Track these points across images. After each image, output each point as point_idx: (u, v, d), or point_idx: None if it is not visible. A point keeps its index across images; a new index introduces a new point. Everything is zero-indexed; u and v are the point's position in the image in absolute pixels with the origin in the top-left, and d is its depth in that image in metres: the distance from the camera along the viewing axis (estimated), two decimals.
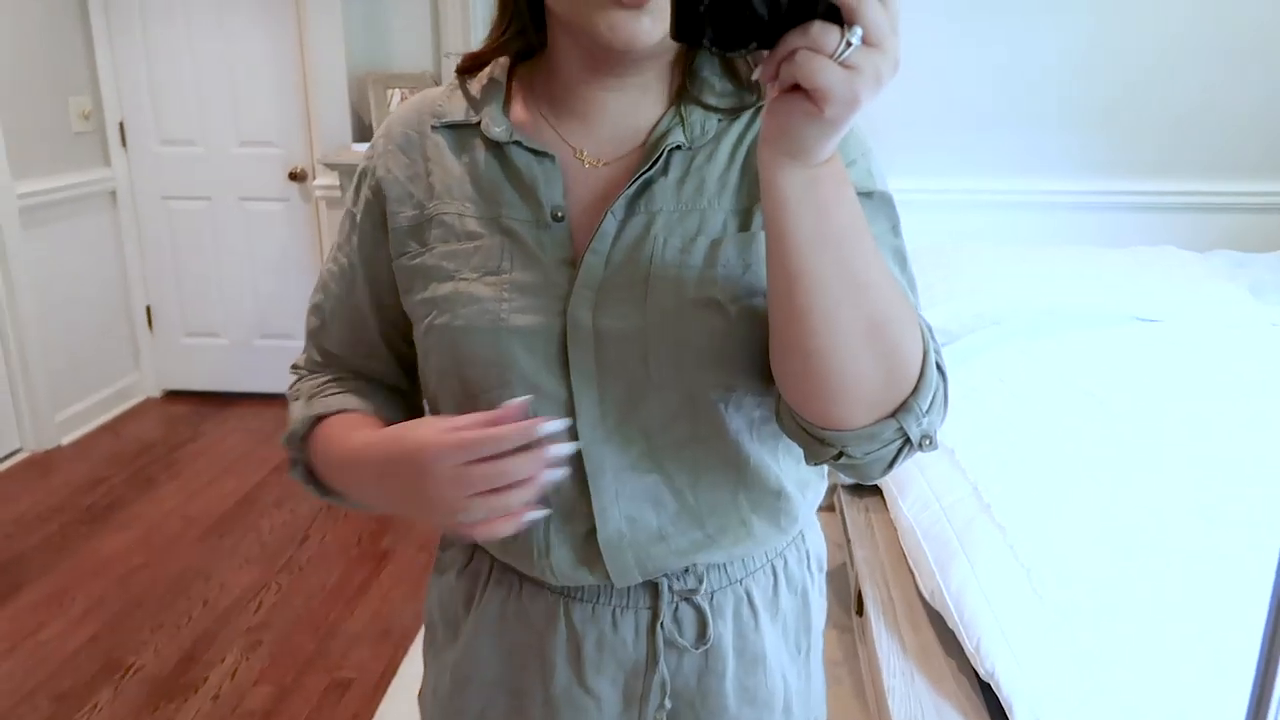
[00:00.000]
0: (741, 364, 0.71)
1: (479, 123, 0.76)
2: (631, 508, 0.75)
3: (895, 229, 0.75)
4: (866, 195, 0.72)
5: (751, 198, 0.73)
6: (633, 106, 0.75)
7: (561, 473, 0.66)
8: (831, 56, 0.50)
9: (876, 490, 2.02)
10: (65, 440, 3.55)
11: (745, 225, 0.72)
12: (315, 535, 2.91)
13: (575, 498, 0.75)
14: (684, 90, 0.75)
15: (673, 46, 0.72)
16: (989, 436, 1.76)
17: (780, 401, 0.70)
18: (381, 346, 0.85)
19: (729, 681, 0.82)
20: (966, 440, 1.76)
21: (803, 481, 0.81)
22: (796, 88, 0.51)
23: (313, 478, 0.84)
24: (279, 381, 3.86)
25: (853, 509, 2.04)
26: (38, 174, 3.40)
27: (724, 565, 0.80)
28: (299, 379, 0.89)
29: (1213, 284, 2.54)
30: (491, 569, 0.85)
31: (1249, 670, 1.17)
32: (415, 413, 0.87)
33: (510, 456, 0.63)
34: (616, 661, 0.81)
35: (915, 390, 0.64)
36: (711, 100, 0.74)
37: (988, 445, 1.73)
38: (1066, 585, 1.34)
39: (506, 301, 0.72)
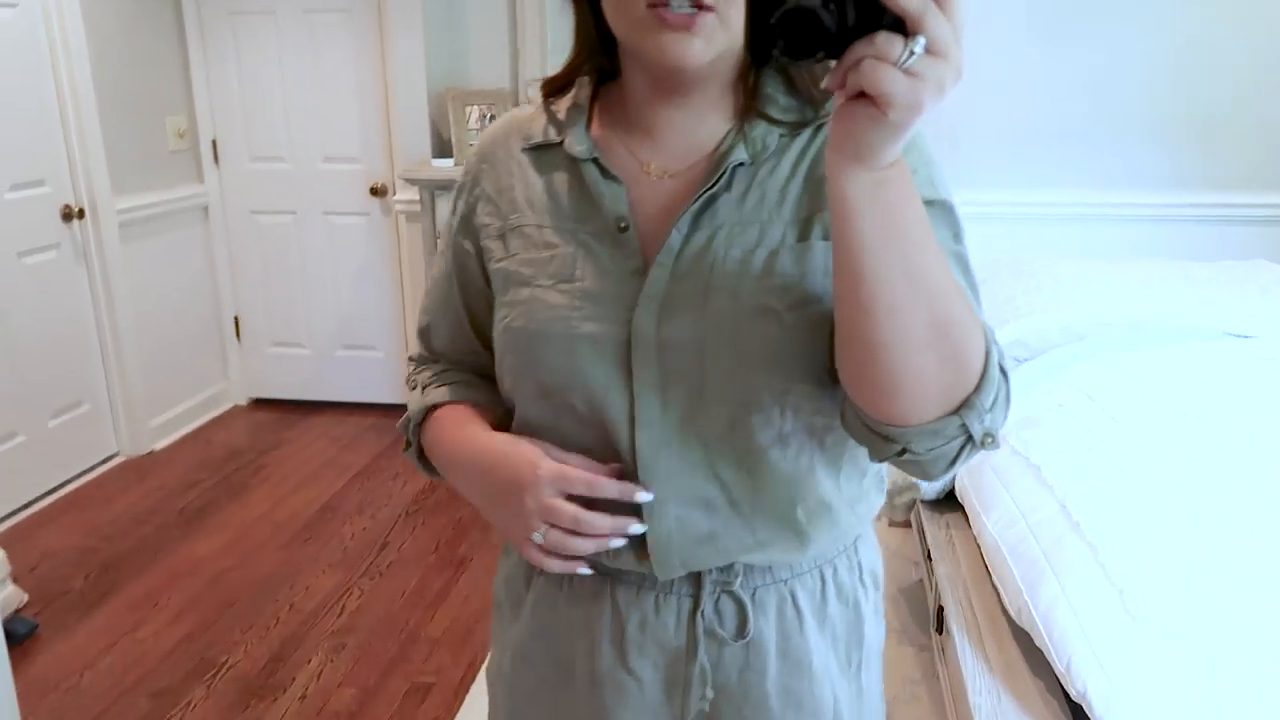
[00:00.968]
0: (797, 369, 0.74)
1: (561, 142, 0.82)
2: (683, 511, 0.78)
3: (958, 236, 0.77)
4: (929, 203, 0.74)
5: (811, 208, 0.76)
6: (698, 121, 0.79)
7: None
8: (895, 64, 0.52)
9: (958, 506, 1.99)
10: (159, 445, 3.70)
11: (804, 236, 0.75)
12: (395, 541, 2.98)
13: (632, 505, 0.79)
14: (748, 106, 0.78)
15: (733, 65, 0.76)
16: (1076, 454, 1.73)
17: (845, 401, 0.73)
18: (478, 344, 0.92)
19: (771, 682, 0.83)
20: (1053, 457, 1.73)
21: (853, 498, 0.83)
22: (863, 95, 0.54)
23: (424, 459, 0.93)
24: (360, 391, 3.98)
25: (933, 525, 2.02)
26: (135, 190, 3.56)
27: (769, 566, 0.82)
28: (415, 369, 0.98)
29: None
30: None
31: None
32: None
33: (597, 511, 0.76)
34: (658, 646, 0.83)
35: (978, 388, 0.66)
36: (775, 114, 0.78)
37: (1075, 462, 1.70)
38: (1160, 606, 1.32)
39: (578, 310, 0.77)
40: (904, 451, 0.69)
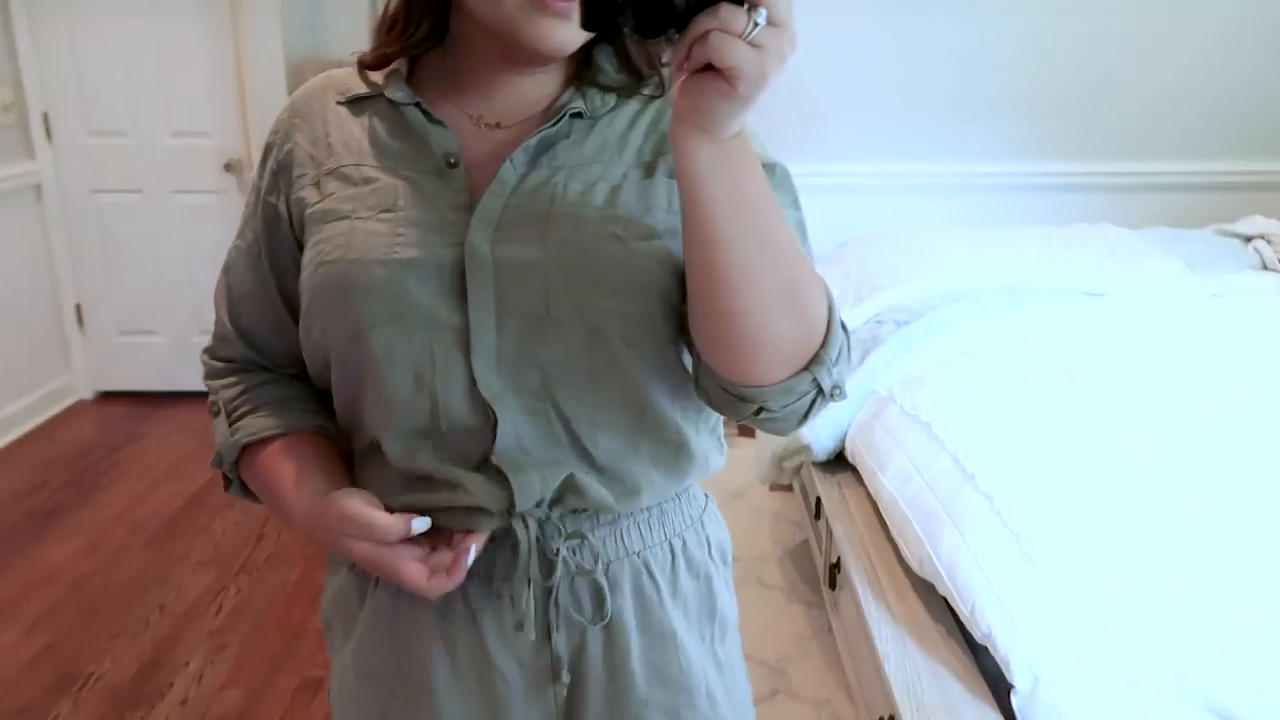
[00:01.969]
0: (641, 293, 0.73)
1: (382, 93, 0.80)
2: (527, 440, 0.75)
3: (795, 202, 0.80)
4: (769, 168, 0.76)
5: (654, 153, 0.78)
6: (534, 85, 0.80)
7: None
8: (740, 36, 0.53)
9: (848, 466, 2.06)
10: None
11: (648, 174, 0.76)
12: (271, 534, 2.84)
13: (477, 428, 0.75)
14: (580, 75, 0.80)
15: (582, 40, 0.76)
16: (963, 409, 1.81)
17: (699, 367, 0.73)
18: (287, 319, 0.85)
19: (635, 659, 0.81)
20: (942, 413, 1.80)
21: (696, 443, 0.81)
22: (708, 68, 0.55)
23: (248, 492, 0.88)
24: None
25: (826, 484, 2.08)
26: None
27: (620, 534, 0.80)
28: (214, 379, 0.90)
29: (1151, 259, 2.64)
30: None
31: (1238, 619, 1.23)
32: (325, 400, 0.86)
33: (409, 567, 0.73)
34: (517, 637, 0.79)
35: (824, 344, 0.69)
36: (605, 82, 0.80)
37: (962, 416, 1.77)
38: (1055, 547, 1.39)
39: (401, 236, 0.74)
40: (760, 410, 0.71)
